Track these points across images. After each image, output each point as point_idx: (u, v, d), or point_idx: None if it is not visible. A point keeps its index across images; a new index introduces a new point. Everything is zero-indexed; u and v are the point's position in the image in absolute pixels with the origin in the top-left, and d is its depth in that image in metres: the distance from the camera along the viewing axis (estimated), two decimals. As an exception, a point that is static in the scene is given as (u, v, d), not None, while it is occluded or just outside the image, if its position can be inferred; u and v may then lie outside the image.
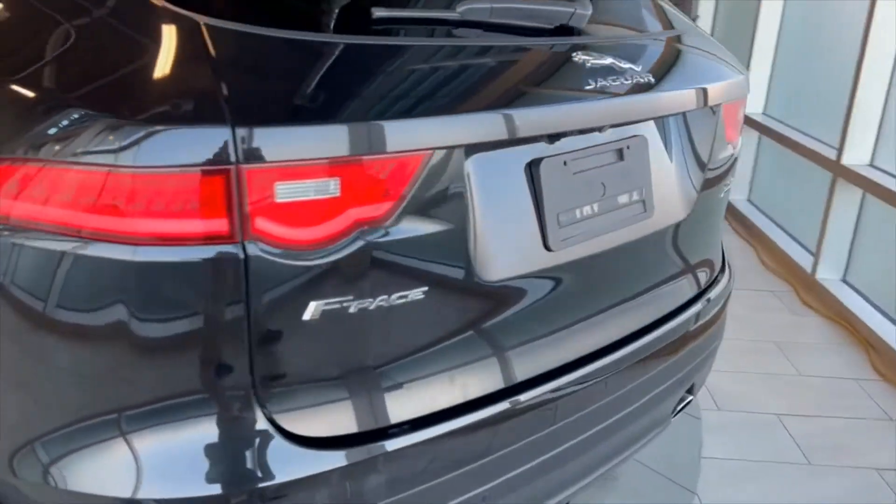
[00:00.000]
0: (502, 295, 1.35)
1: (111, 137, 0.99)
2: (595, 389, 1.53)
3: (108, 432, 1.09)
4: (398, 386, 1.25)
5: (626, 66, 1.45)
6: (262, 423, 1.13)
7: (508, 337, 1.39)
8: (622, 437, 1.70)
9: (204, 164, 0.99)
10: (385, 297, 1.18)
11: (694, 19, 1.98)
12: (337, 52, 1.16)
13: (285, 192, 1.05)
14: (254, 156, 1.01)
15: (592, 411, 1.55)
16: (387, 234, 1.16)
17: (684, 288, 1.80)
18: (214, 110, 1.01)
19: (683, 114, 1.66)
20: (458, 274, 1.27)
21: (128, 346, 1.06)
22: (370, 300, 1.17)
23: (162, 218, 1.01)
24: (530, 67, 1.40)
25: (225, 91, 1.03)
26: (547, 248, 1.39)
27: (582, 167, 1.44)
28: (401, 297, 1.20)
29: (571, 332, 1.51)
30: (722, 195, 1.88)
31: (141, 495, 1.08)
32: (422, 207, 1.19)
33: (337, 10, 1.24)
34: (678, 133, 1.67)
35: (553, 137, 1.39)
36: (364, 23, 1.23)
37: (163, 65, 1.08)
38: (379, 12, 1.23)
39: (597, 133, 1.46)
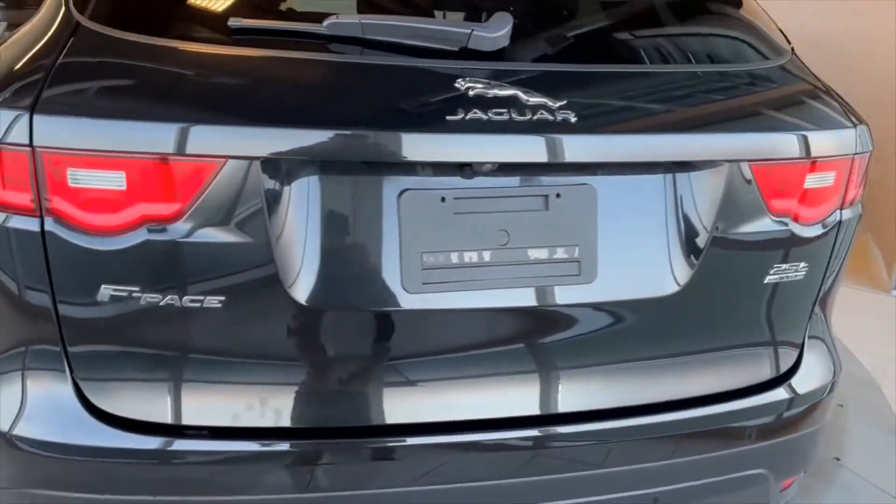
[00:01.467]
0: (325, 322, 1.27)
1: None
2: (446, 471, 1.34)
3: None
4: (192, 388, 1.26)
5: (537, 100, 1.25)
6: (66, 384, 1.25)
7: (332, 371, 1.30)
8: None
9: (5, 142, 1.16)
10: (176, 296, 1.21)
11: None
12: (169, 56, 1.25)
13: (77, 177, 1.17)
14: (47, 140, 1.15)
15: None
16: (177, 234, 1.20)
17: (676, 381, 1.47)
18: (29, 96, 1.17)
19: (673, 170, 1.37)
20: (263, 290, 1.24)
21: None
22: (159, 296, 1.21)
23: None
24: (394, 89, 1.26)
25: (48, 80, 1.19)
26: (403, 287, 1.28)
27: (470, 208, 1.29)
28: (194, 301, 1.22)
29: (431, 389, 1.34)
30: (773, 278, 1.47)
31: None
32: (220, 215, 1.20)
33: (196, 20, 1.33)
34: (664, 192, 1.38)
35: (439, 170, 1.27)
36: (218, 32, 1.29)
37: (27, 49, 1.28)
38: (234, 22, 1.27)
39: (517, 176, 1.30)
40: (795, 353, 1.58)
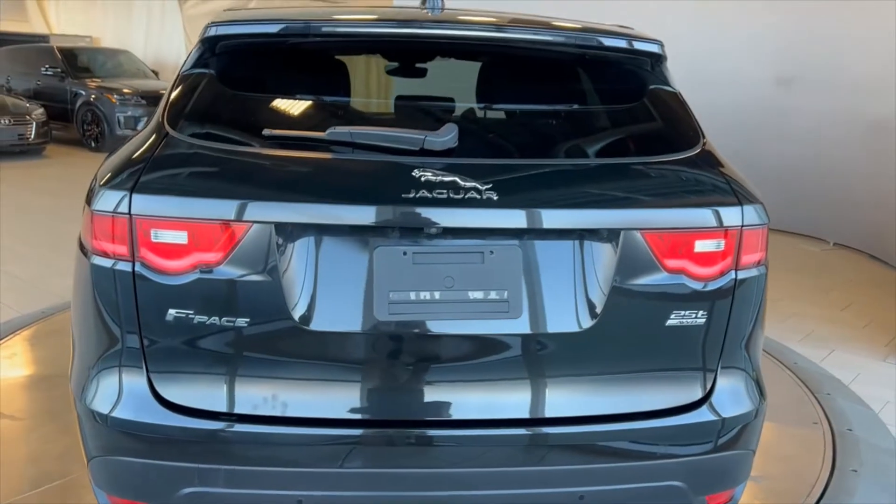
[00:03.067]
0: (317, 338, 1.77)
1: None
2: (416, 452, 1.82)
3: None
4: (225, 385, 1.79)
5: (470, 184, 1.74)
6: (142, 376, 1.81)
7: (327, 375, 1.80)
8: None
9: (113, 211, 1.77)
10: (217, 317, 1.76)
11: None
12: (220, 156, 1.84)
13: (156, 235, 1.76)
14: (139, 210, 1.75)
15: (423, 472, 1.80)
16: (220, 274, 1.75)
17: (593, 399, 1.87)
18: (133, 183, 1.78)
19: (581, 236, 1.82)
20: (276, 315, 1.77)
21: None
22: (206, 317, 1.76)
23: (100, 240, 1.80)
24: (368, 177, 1.79)
25: (144, 173, 1.79)
26: (376, 316, 1.77)
27: (425, 260, 1.78)
28: (229, 321, 1.76)
29: (399, 393, 1.81)
30: (675, 322, 1.87)
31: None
32: (248, 261, 1.75)
33: (242, 130, 1.94)
34: (574, 252, 1.82)
35: (404, 232, 1.77)
36: (258, 139, 1.86)
37: (138, 147, 1.88)
38: (266, 132, 1.87)
39: (460, 237, 1.78)
40: (707, 384, 1.96)
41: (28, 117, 11.05)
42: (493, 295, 1.79)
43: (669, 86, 2.17)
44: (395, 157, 1.81)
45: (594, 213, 1.83)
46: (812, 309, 5.50)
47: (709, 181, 1.94)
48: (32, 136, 10.99)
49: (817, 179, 7.57)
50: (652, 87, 2.15)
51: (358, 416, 1.81)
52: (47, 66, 12.83)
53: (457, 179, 1.75)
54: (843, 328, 5.12)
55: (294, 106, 2.09)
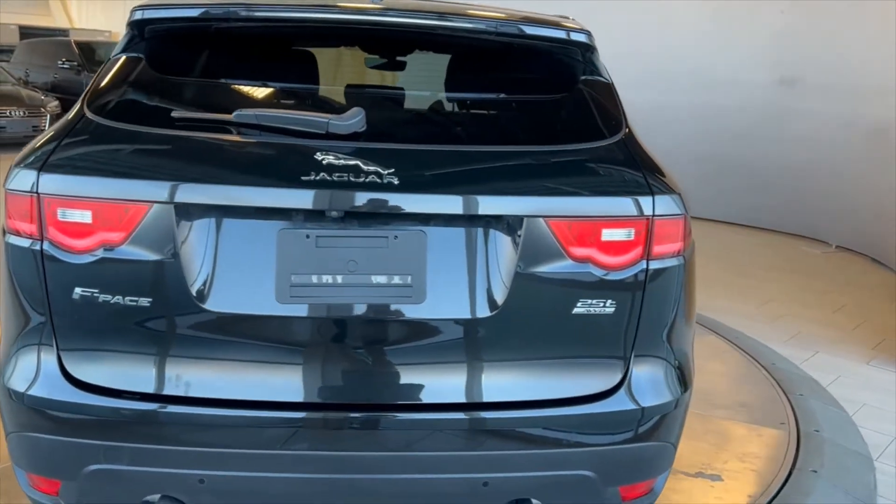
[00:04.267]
0: (216, 319, 1.76)
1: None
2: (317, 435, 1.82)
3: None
4: (128, 363, 1.80)
5: (372, 168, 1.72)
6: (53, 355, 1.82)
7: (228, 355, 1.79)
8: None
9: (22, 191, 1.78)
10: (120, 296, 1.77)
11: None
12: (127, 136, 1.83)
13: (63, 214, 1.77)
14: (46, 190, 1.77)
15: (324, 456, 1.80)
16: (123, 253, 1.76)
17: (497, 386, 1.85)
18: (42, 163, 1.79)
19: (486, 223, 1.79)
20: (177, 296, 1.75)
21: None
22: (110, 296, 1.77)
23: (13, 219, 1.81)
24: (271, 159, 1.78)
25: (54, 153, 1.80)
26: (276, 299, 1.77)
27: (328, 244, 1.76)
28: (132, 300, 1.77)
29: (299, 376, 1.81)
30: (582, 310, 1.83)
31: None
32: (150, 241, 1.75)
33: (150, 112, 1.95)
34: (479, 239, 1.80)
35: (308, 215, 1.75)
36: (170, 121, 1.84)
37: (53, 132, 1.88)
38: (176, 114, 1.86)
39: (364, 221, 1.76)
40: (619, 374, 1.90)
41: (42, 109, 11.23)
42: (396, 280, 1.78)
43: (600, 75, 2.14)
44: (301, 141, 1.80)
45: (496, 200, 1.79)
46: (804, 310, 5.42)
47: (621, 170, 1.90)
48: (46, 128, 11.11)
49: (818, 182, 7.46)
50: (581, 76, 2.12)
51: (258, 398, 1.80)
52: (64, 59, 13.01)
53: (359, 163, 1.74)
54: (831, 330, 5.04)
55: (212, 89, 2.09)
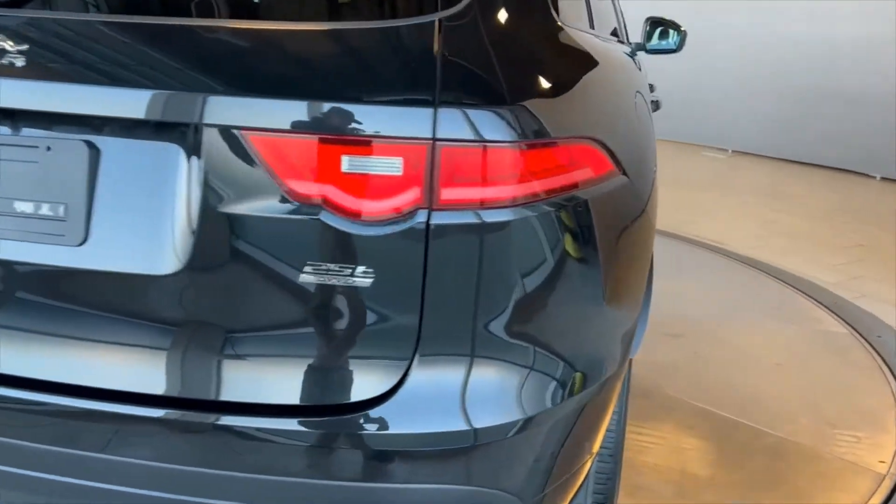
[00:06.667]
0: None
1: None
2: None
3: None
4: None
5: (12, 45, 1.17)
6: None
7: None
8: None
9: None
10: None
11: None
12: None
13: None
14: None
15: None
16: None
17: (180, 377, 1.26)
18: None
19: (183, 139, 1.18)
20: None
21: None
22: None
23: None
24: None
25: None
26: None
27: None
28: None
29: None
30: (313, 279, 1.17)
31: None
32: None
33: None
34: (171, 161, 1.19)
35: None
36: None
37: None
38: None
39: (7, 122, 1.22)
40: (378, 381, 1.21)
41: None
42: (45, 209, 1.23)
43: None
44: None
45: (181, 100, 1.18)
46: None
47: (406, 66, 1.22)
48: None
49: None
50: None
51: None
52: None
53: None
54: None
55: None
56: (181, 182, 1.19)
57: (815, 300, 4.10)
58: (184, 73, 1.21)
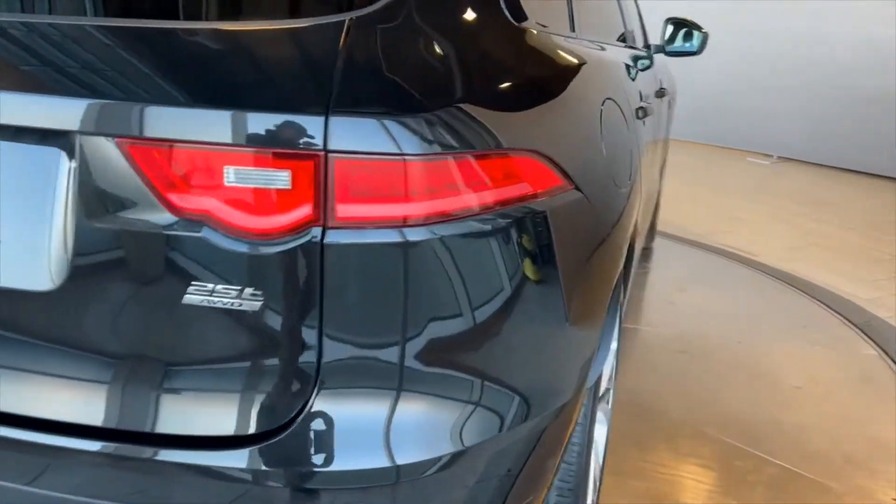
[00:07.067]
0: None
1: None
2: None
3: None
4: None
5: None
6: None
7: None
8: None
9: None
10: None
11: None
12: None
13: None
14: None
15: None
16: None
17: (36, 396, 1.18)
18: None
19: (58, 143, 1.10)
20: None
21: None
22: None
23: None
24: None
25: None
26: None
27: None
28: None
29: None
30: (196, 298, 1.09)
31: None
32: None
33: None
34: (48, 168, 1.11)
35: None
36: None
37: None
38: None
39: None
40: (285, 408, 1.11)
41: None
42: None
43: None
44: None
45: (52, 104, 1.10)
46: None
47: (304, 69, 1.12)
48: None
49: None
50: None
51: None
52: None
53: None
54: None
55: None
56: (60, 193, 1.11)
57: (846, 319, 3.88)
58: (57, 76, 1.13)
